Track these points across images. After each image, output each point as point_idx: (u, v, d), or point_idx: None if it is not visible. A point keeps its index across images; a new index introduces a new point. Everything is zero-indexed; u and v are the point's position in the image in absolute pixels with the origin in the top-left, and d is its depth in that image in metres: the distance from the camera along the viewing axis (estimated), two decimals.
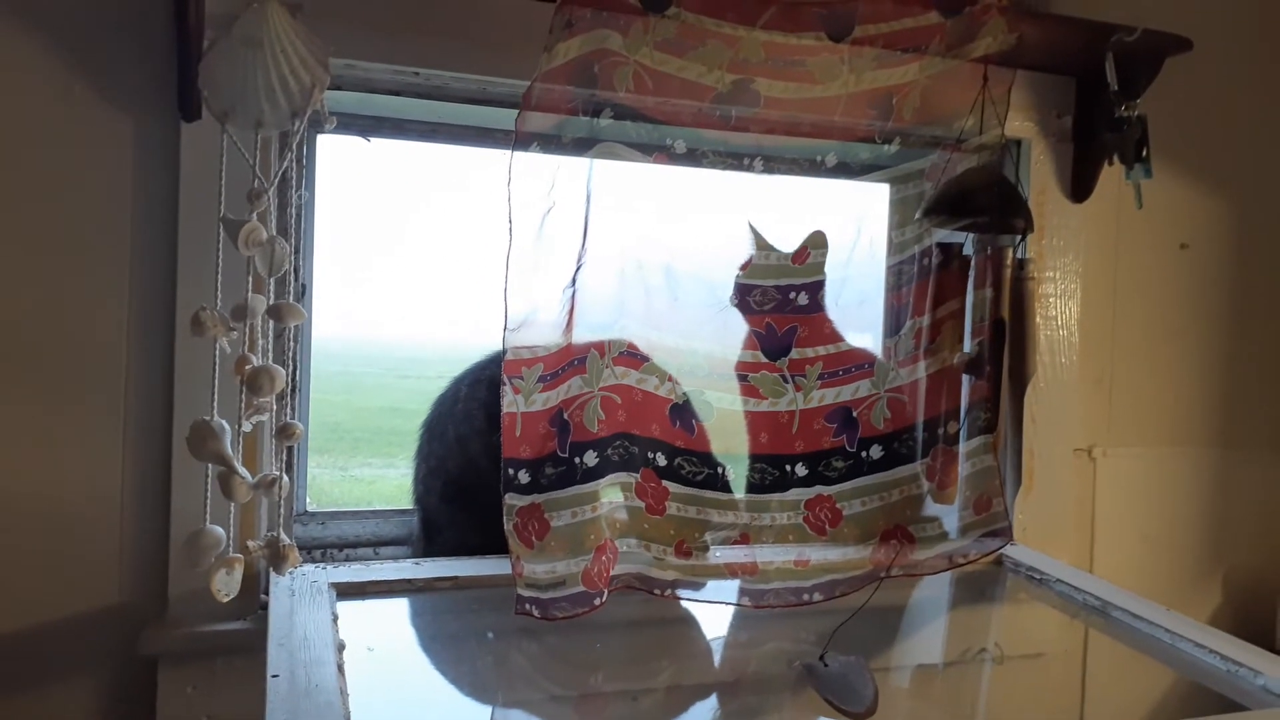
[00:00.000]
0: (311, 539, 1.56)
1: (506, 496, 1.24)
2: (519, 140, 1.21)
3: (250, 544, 1.15)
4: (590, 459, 1.26)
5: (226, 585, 1.15)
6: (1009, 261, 1.45)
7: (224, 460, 1.14)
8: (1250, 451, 1.90)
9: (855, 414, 1.42)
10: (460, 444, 1.47)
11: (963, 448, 1.44)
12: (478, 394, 1.45)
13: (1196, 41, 1.53)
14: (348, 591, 1.31)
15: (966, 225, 1.42)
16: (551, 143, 1.25)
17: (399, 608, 1.36)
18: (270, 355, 1.19)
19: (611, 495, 1.29)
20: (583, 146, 1.27)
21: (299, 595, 1.26)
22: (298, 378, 1.52)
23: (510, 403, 1.23)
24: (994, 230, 1.44)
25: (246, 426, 1.17)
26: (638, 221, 1.30)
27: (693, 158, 1.33)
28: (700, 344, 1.34)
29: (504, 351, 1.23)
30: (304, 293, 1.46)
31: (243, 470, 1.15)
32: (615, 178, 1.29)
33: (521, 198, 1.22)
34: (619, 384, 1.29)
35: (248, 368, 1.15)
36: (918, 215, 1.46)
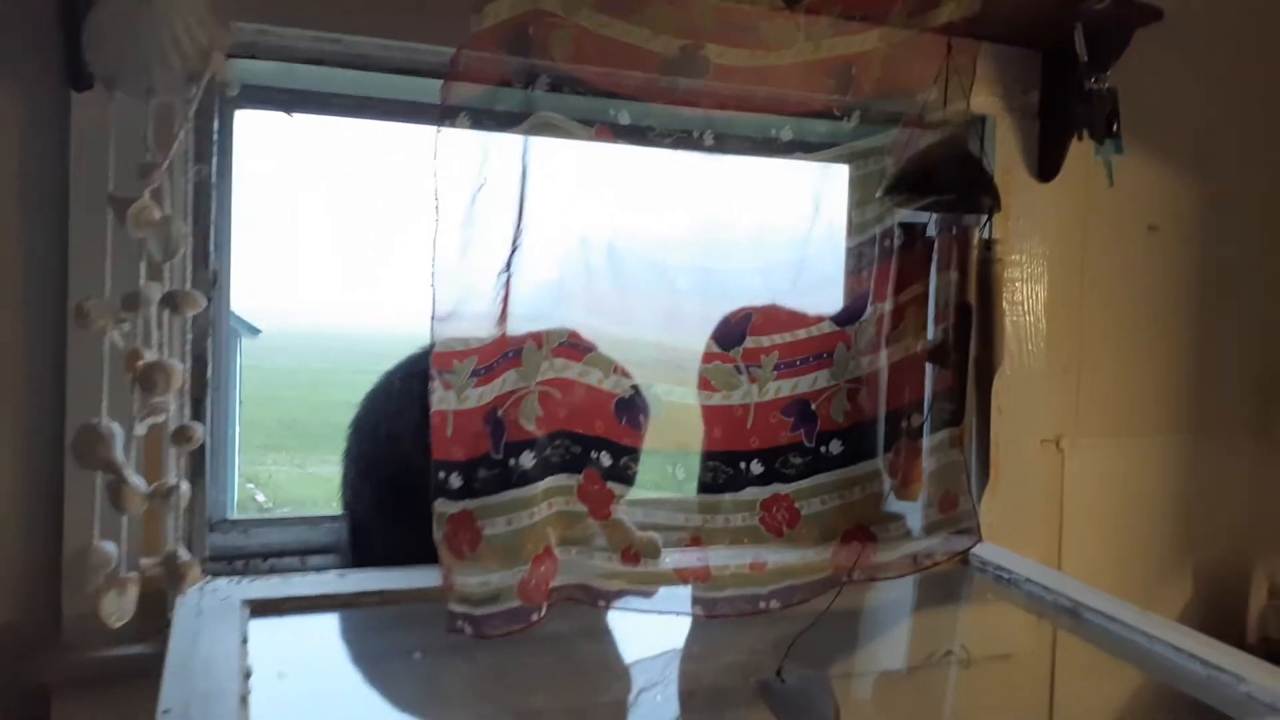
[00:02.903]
0: (233, 548, 1.44)
1: (436, 503, 1.14)
2: (445, 113, 1.10)
3: (144, 562, 1.03)
4: (527, 460, 1.15)
5: (118, 608, 1.03)
6: (975, 242, 1.36)
7: (113, 468, 1.02)
8: (1222, 440, 1.84)
9: (814, 407, 1.33)
10: (392, 443, 1.36)
11: (927, 442, 1.36)
12: (411, 388, 1.34)
13: (1168, 11, 1.46)
14: (263, 609, 1.19)
15: (930, 204, 1.33)
16: (482, 115, 1.14)
17: (320, 626, 1.24)
18: (170, 349, 1.06)
19: (551, 499, 1.19)
20: (516, 119, 1.16)
21: (206, 614, 1.14)
22: (217, 374, 1.39)
23: (440, 399, 1.13)
24: (959, 209, 1.35)
25: (140, 430, 1.05)
26: (578, 200, 1.20)
27: (638, 132, 1.23)
28: (648, 332, 1.24)
29: (432, 344, 1.12)
30: (215, 280, 1.33)
31: (135, 479, 1.03)
32: (553, 153, 1.19)
33: (449, 175, 1.11)
34: (559, 378, 1.19)
35: (140, 364, 1.03)
36: (878, 194, 1.37)
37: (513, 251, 1.15)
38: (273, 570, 1.40)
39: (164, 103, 1.03)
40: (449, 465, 1.14)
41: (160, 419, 1.06)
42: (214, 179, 1.32)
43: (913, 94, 1.36)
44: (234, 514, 1.46)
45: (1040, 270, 1.63)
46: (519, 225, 1.15)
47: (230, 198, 1.41)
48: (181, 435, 1.04)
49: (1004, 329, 1.44)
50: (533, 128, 1.16)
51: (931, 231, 1.39)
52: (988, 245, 1.39)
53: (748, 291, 1.31)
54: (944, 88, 1.35)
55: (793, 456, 1.33)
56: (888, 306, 1.37)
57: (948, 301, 1.36)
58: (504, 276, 1.15)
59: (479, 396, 1.15)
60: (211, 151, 1.29)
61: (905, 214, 1.38)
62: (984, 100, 1.53)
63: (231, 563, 1.39)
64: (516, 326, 1.16)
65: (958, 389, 1.34)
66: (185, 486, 1.06)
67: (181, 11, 1.00)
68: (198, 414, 1.27)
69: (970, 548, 1.39)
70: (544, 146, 1.17)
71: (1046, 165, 1.58)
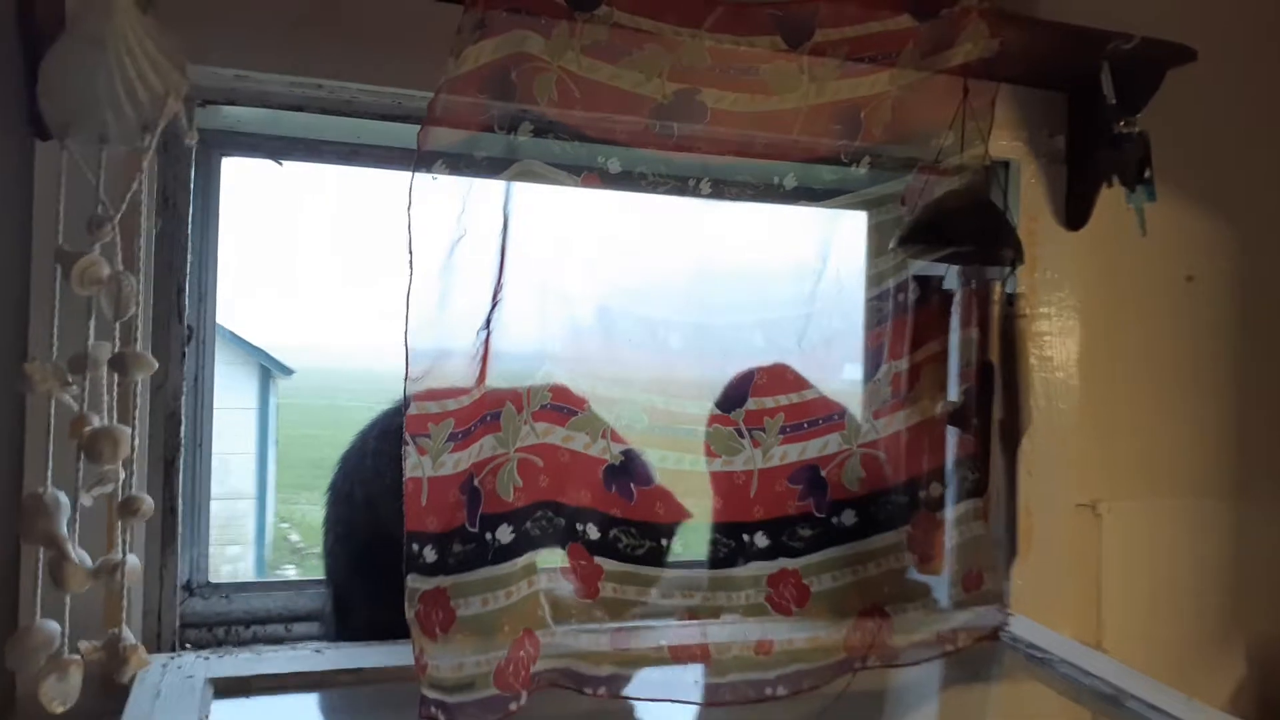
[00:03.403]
0: (215, 615, 1.35)
1: (409, 578, 1.05)
2: (421, 159, 1.03)
3: (83, 645, 0.95)
4: (504, 534, 1.06)
5: (59, 693, 0.95)
6: (996, 296, 1.26)
7: (55, 542, 0.94)
8: (1268, 503, 1.70)
9: (824, 473, 1.23)
10: (369, 508, 1.27)
11: (949, 513, 1.25)
12: (387, 447, 1.25)
13: (1201, 51, 1.36)
14: (229, 688, 1.11)
15: (947, 255, 1.24)
16: (460, 162, 1.07)
17: (290, 708, 1.15)
18: (130, 412, 0.99)
19: (532, 577, 1.09)
20: (498, 166, 1.09)
21: (165, 696, 1.06)
22: (199, 431, 1.32)
23: (414, 465, 1.04)
24: (978, 261, 1.26)
25: (86, 500, 0.97)
26: (564, 252, 1.12)
27: (629, 180, 1.15)
28: (639, 394, 1.15)
29: (406, 405, 1.03)
30: (190, 336, 1.26)
31: (77, 554, 0.95)
32: (537, 202, 1.11)
33: (425, 226, 1.03)
34: (540, 444, 1.10)
35: (87, 430, 0.95)
36: (892, 245, 1.28)
37: (493, 307, 1.07)
38: (255, 639, 1.32)
39: (117, 152, 0.96)
40: (423, 537, 1.05)
41: (108, 489, 0.98)
42: (190, 230, 1.25)
43: (927, 139, 1.28)
44: (213, 578, 1.37)
45: (1071, 323, 1.53)
46: (499, 279, 1.08)
47: (215, 248, 1.35)
48: (128, 507, 0.96)
49: (1030, 388, 1.33)
50: (516, 175, 1.09)
51: (950, 285, 1.30)
52: (1010, 300, 1.29)
53: (748, 349, 1.22)
54: (961, 132, 1.27)
55: (801, 528, 1.22)
56: (903, 365, 1.27)
57: (969, 360, 1.26)
58: (483, 334, 1.07)
59: (455, 463, 1.07)
60: (187, 201, 1.23)
61: (922, 266, 1.29)
62: (1006, 145, 1.44)
63: (212, 630, 1.30)
64: (495, 386, 1.07)
65: (981, 455, 1.23)
66: (133, 561, 0.98)
67: (135, 56, 0.94)
68: (169, 475, 1.20)
69: (999, 627, 1.27)
70: (527, 195, 1.10)
71: (1074, 213, 1.48)
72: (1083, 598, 1.57)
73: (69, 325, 0.99)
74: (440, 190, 1.07)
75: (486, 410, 1.07)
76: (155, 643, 1.22)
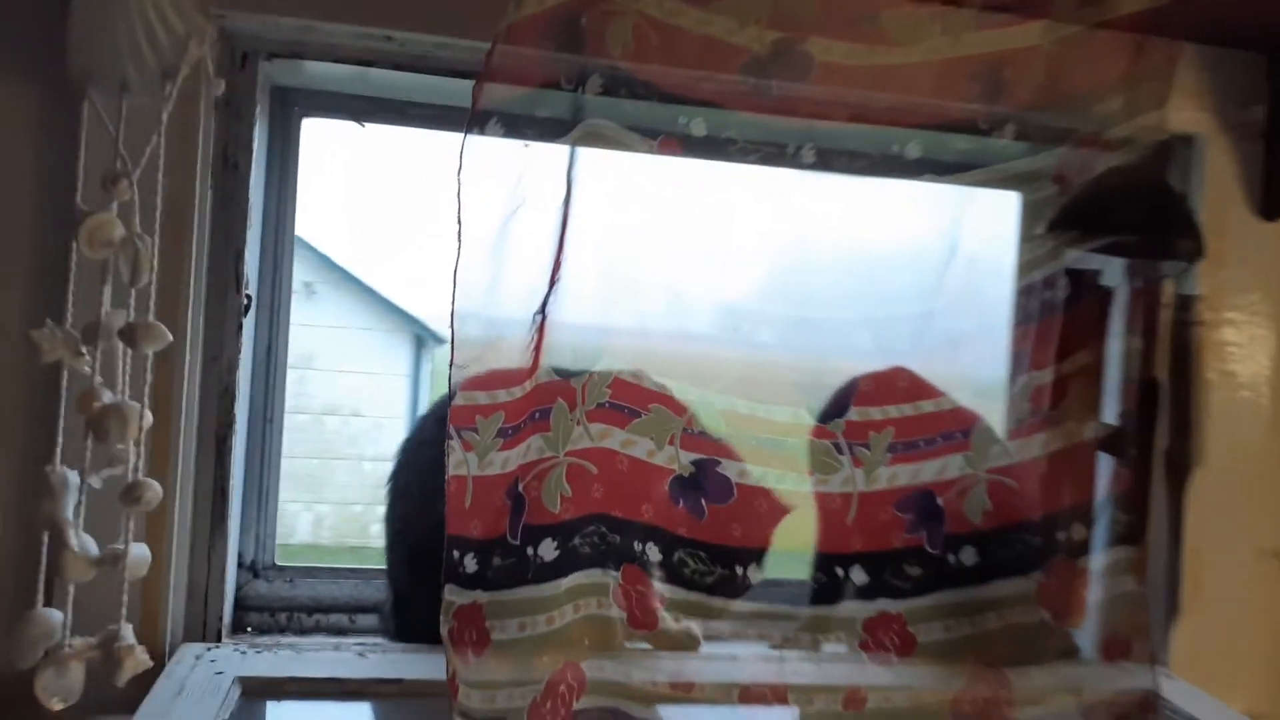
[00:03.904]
0: (278, 599, 1.28)
1: (447, 588, 0.93)
2: (474, 119, 0.91)
3: (76, 642, 0.86)
4: (548, 550, 0.92)
5: (59, 689, 0.87)
6: (1167, 298, 1.03)
7: (56, 526, 0.86)
8: None
9: (940, 501, 1.04)
10: (425, 501, 1.15)
11: (1094, 562, 1.03)
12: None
13: None
14: (258, 690, 1.02)
15: (1107, 245, 1.03)
16: (519, 122, 0.94)
17: (318, 718, 1.05)
18: (129, 389, 0.90)
19: (579, 601, 0.95)
20: (561, 128, 0.96)
21: (188, 693, 0.98)
22: (270, 406, 1.25)
23: (459, 462, 0.93)
24: (1146, 253, 1.04)
25: (95, 482, 0.88)
26: (635, 229, 0.97)
27: (715, 146, 0.99)
28: (716, 396, 0.99)
29: (451, 395, 0.91)
30: (249, 306, 1.18)
31: (78, 540, 0.86)
32: (606, 170, 0.97)
33: (477, 194, 0.90)
34: (595, 448, 0.96)
35: (96, 405, 0.87)
36: (1040, 230, 1.06)
37: (550, 289, 0.93)
38: (318, 628, 1.25)
39: (138, 103, 0.87)
40: (464, 543, 0.93)
41: (117, 471, 0.89)
42: (263, 194, 1.17)
43: (1087, 105, 1.07)
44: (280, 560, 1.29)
45: (1261, 333, 1.28)
46: (559, 257, 0.94)
47: (291, 213, 1.27)
48: (131, 494, 0.87)
49: (1206, 412, 1.09)
50: (581, 138, 0.95)
51: (1109, 282, 1.08)
52: (1185, 303, 1.06)
53: (853, 350, 1.03)
54: (1131, 97, 1.04)
55: (909, 565, 1.04)
56: (1047, 377, 1.06)
57: (1129, 375, 1.04)
58: (538, 319, 0.93)
59: (504, 462, 0.94)
60: (249, 163, 1.14)
61: (1076, 257, 1.07)
62: (1188, 116, 1.20)
63: (274, 614, 1.24)
64: (547, 379, 0.93)
65: (1138, 492, 1.01)
66: (138, 552, 0.89)
67: None
68: (221, 453, 1.12)
69: (1154, 696, 1.04)
70: (595, 162, 0.95)
71: (1272, 200, 1.22)
72: (1262, 663, 1.34)
73: (89, 292, 0.90)
74: (496, 154, 0.94)
75: (536, 406, 0.93)
76: (200, 630, 1.15)
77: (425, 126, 1.29)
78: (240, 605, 1.20)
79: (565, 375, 0.95)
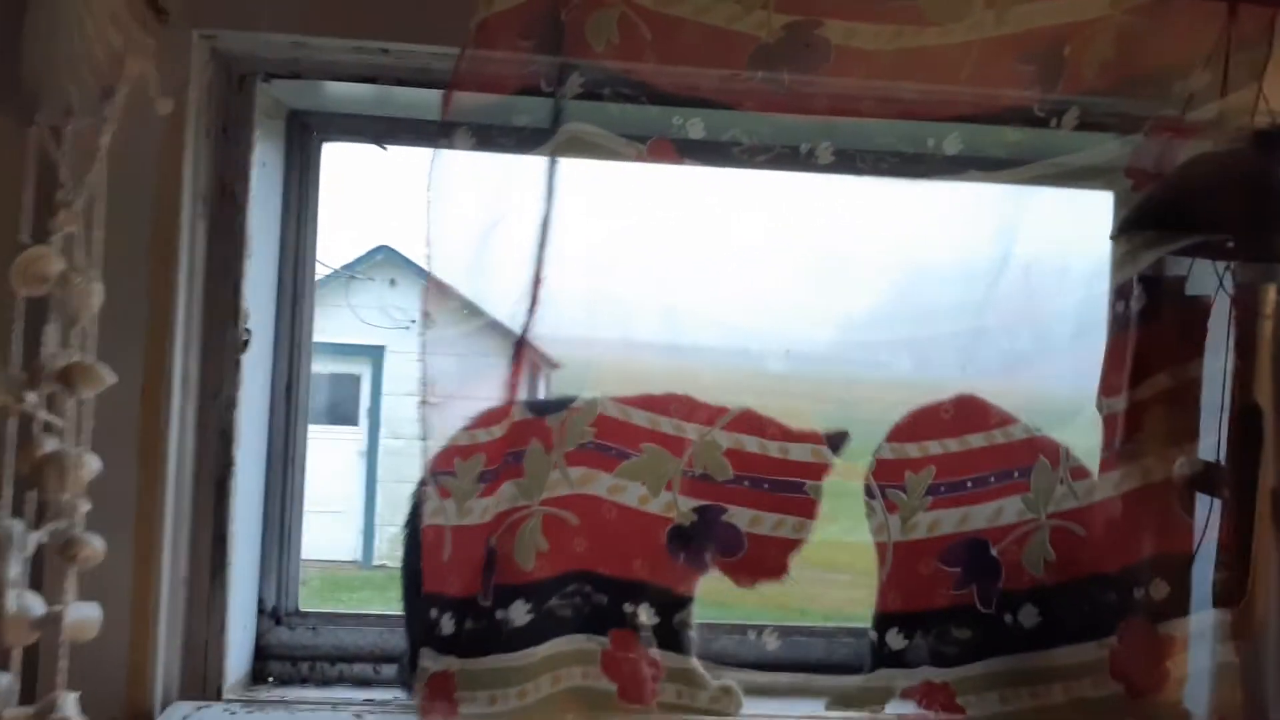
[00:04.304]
0: (302, 647, 1.21)
1: (422, 653, 0.83)
2: (442, 131, 0.83)
3: (9, 712, 0.79)
4: (519, 614, 0.82)
5: None
6: (1269, 309, 0.85)
7: None
8: None
9: (994, 552, 0.89)
10: None
11: (1182, 626, 0.86)
12: None
13: None
14: None
15: (1192, 248, 0.86)
16: (492, 133, 0.85)
17: None
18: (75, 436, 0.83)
19: (559, 671, 0.83)
20: (540, 137, 0.86)
21: None
22: (283, 449, 1.17)
23: (435, 510, 0.86)
24: (1241, 256, 0.87)
25: (39, 538, 0.82)
26: (622, 246, 0.86)
27: (714, 149, 0.88)
28: (721, 433, 0.86)
29: (423, 435, 0.82)
30: (247, 343, 1.11)
31: (22, 600, 0.80)
32: (591, 179, 0.86)
33: (449, 212, 0.82)
34: (577, 494, 0.85)
35: (38, 453, 0.80)
36: (1112, 234, 0.90)
37: (530, 313, 0.83)
38: (341, 678, 1.16)
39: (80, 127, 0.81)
40: (442, 602, 0.86)
41: (62, 524, 0.82)
42: (248, 220, 1.11)
43: (1168, 83, 0.91)
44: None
45: None
46: (537, 278, 0.83)
47: (312, 242, 1.20)
48: (68, 551, 0.80)
49: None
50: (562, 147, 0.84)
51: (1197, 291, 0.92)
52: None
53: (887, 376, 0.89)
54: (1222, 71, 0.88)
55: (956, 627, 0.90)
56: (1120, 404, 0.90)
57: (1222, 401, 0.86)
58: (516, 346, 0.83)
59: (484, 510, 0.85)
60: (246, 190, 1.07)
61: (1154, 263, 0.91)
62: None
63: (295, 664, 1.16)
64: (524, 415, 0.83)
65: (1239, 542, 0.83)
66: (83, 613, 0.82)
67: (93, 11, 0.78)
68: (220, 496, 1.05)
69: None
70: (577, 172, 0.84)
71: None
72: None
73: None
74: (469, 168, 0.84)
75: (510, 448, 0.83)
76: (200, 686, 1.07)
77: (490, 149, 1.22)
78: (261, 654, 1.14)
79: (540, 412, 0.85)
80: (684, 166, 0.87)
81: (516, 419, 0.83)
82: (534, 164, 0.86)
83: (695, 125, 0.86)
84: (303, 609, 1.20)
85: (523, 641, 0.83)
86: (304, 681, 1.13)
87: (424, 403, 0.86)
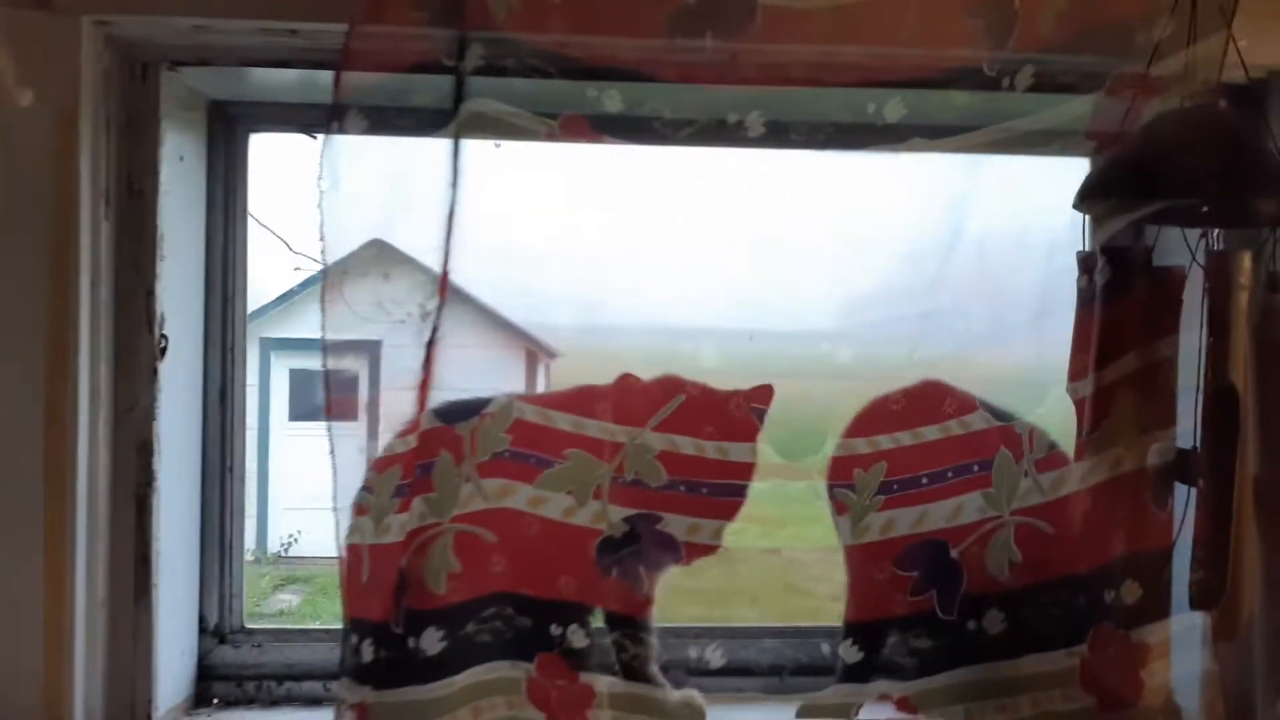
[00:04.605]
0: (247, 666, 1.17)
1: (340, 683, 0.77)
2: (333, 114, 0.77)
3: None
4: (431, 642, 0.76)
5: None
6: (1245, 279, 0.78)
7: None
8: None
9: (955, 553, 0.82)
10: None
11: (1157, 632, 0.78)
12: None
13: None
14: None
15: (1162, 214, 0.78)
16: (387, 115, 0.78)
17: None
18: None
19: (480, 703, 0.77)
20: (441, 117, 0.78)
21: None
22: (220, 458, 1.12)
23: (352, 529, 0.78)
24: (1215, 222, 0.80)
25: None
26: (536, 233, 0.78)
27: (633, 124, 0.80)
28: (652, 435, 0.79)
29: (332, 450, 0.76)
30: (164, 348, 1.05)
31: None
32: (498, 161, 0.78)
33: (341, 203, 0.75)
34: (493, 509, 0.78)
35: None
36: (1075, 202, 0.83)
37: (439, 309, 0.76)
38: (290, 697, 1.11)
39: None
40: (363, 627, 0.78)
41: None
42: (156, 218, 1.04)
43: (1128, 36, 0.85)
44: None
45: None
46: (445, 270, 0.76)
47: (243, 238, 1.13)
48: None
49: None
50: (465, 126, 0.77)
51: (1168, 261, 0.84)
52: (1274, 282, 0.80)
53: (826, 368, 0.81)
54: (1189, 22, 0.80)
55: (915, 636, 0.83)
56: (1086, 388, 0.82)
57: (1197, 382, 0.78)
58: (425, 344, 0.76)
59: (401, 526, 0.77)
60: (155, 187, 1.01)
61: (1119, 233, 0.83)
62: (1271, 47, 0.91)
63: (241, 684, 1.11)
64: (432, 423, 0.76)
65: (1217, 536, 0.75)
66: None
67: None
68: (141, 514, 0.99)
69: None
70: (484, 154, 0.77)
71: None
72: None
73: None
74: (365, 154, 0.77)
75: (420, 460, 0.76)
76: (128, 717, 1.02)
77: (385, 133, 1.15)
78: (205, 675, 1.09)
79: (450, 419, 0.78)
80: (602, 144, 0.79)
81: (424, 428, 0.76)
82: (436, 147, 0.79)
83: (612, 98, 0.79)
84: (248, 625, 1.14)
85: (438, 671, 0.77)
86: (250, 703, 1.08)
87: (327, 410, 0.79)
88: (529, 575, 0.79)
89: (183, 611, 1.05)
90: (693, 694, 0.82)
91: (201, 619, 1.08)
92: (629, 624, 0.81)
